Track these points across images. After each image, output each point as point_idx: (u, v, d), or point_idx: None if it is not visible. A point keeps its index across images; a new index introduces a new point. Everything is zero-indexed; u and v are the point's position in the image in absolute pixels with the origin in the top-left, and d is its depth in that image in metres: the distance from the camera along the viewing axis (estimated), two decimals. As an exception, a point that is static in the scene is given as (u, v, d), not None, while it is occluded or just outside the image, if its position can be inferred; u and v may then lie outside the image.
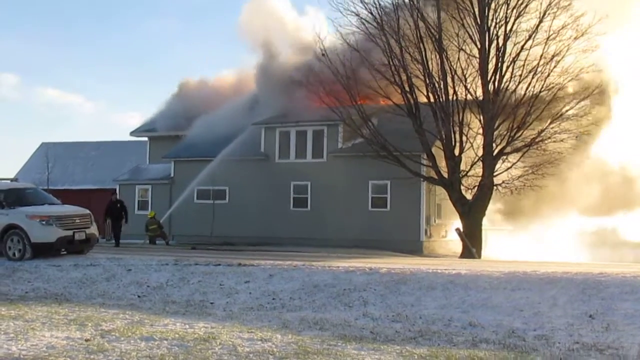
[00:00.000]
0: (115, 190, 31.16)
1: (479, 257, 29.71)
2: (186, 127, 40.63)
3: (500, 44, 30.26)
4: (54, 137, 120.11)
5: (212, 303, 14.70)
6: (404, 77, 31.11)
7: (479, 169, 30.96)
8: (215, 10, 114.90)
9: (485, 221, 31.91)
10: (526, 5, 29.88)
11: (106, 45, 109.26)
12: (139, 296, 15.60)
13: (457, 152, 30.85)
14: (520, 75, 30.15)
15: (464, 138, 30.81)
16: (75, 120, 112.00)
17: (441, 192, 33.33)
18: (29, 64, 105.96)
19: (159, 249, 28.61)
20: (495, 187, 30.98)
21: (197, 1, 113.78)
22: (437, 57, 30.73)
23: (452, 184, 31.06)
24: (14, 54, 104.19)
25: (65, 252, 21.51)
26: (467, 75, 30.53)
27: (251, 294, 15.35)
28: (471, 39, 30.51)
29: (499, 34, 30.27)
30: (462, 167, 31.17)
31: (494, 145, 30.52)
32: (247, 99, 39.66)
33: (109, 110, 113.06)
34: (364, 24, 31.88)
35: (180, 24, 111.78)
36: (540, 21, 29.69)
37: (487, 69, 30.40)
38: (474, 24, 30.38)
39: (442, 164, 31.41)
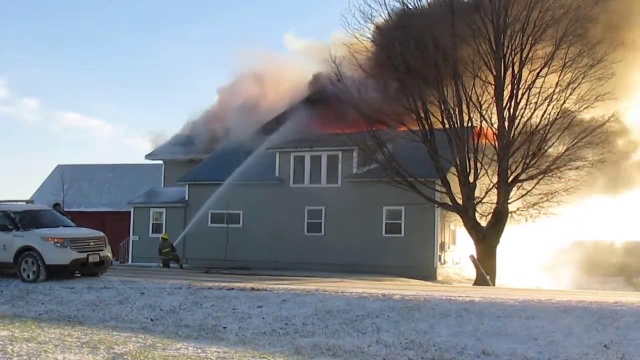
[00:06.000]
0: (60, 203, 31.13)
1: (493, 284, 29.54)
2: (201, 151, 40.84)
3: (516, 71, 30.28)
4: (72, 159, 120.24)
5: (224, 328, 14.64)
6: (419, 103, 31.14)
7: (493, 196, 30.86)
8: (234, 38, 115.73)
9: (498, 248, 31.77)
10: (542, 33, 29.91)
11: (127, 70, 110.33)
12: (151, 320, 15.57)
13: (471, 178, 30.77)
14: (536, 103, 30.12)
15: (479, 164, 30.77)
16: (93, 143, 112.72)
17: (455, 219, 33.22)
18: (49, 88, 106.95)
19: (172, 273, 28.62)
20: (510, 214, 30.86)
21: (217, 29, 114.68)
22: (453, 83, 30.76)
23: (466, 211, 30.96)
24: (35, 78, 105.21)
25: (79, 275, 21.59)
26: (482, 102, 30.55)
27: (264, 319, 15.29)
28: (486, 65, 30.56)
29: (514, 61, 30.31)
30: (477, 193, 31.10)
31: (508, 172, 30.43)
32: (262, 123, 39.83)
33: (127, 133, 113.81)
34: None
35: (200, 50, 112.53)
36: (556, 48, 29.70)
37: (503, 96, 30.38)
38: (489, 50, 30.43)
39: (456, 190, 31.33)
